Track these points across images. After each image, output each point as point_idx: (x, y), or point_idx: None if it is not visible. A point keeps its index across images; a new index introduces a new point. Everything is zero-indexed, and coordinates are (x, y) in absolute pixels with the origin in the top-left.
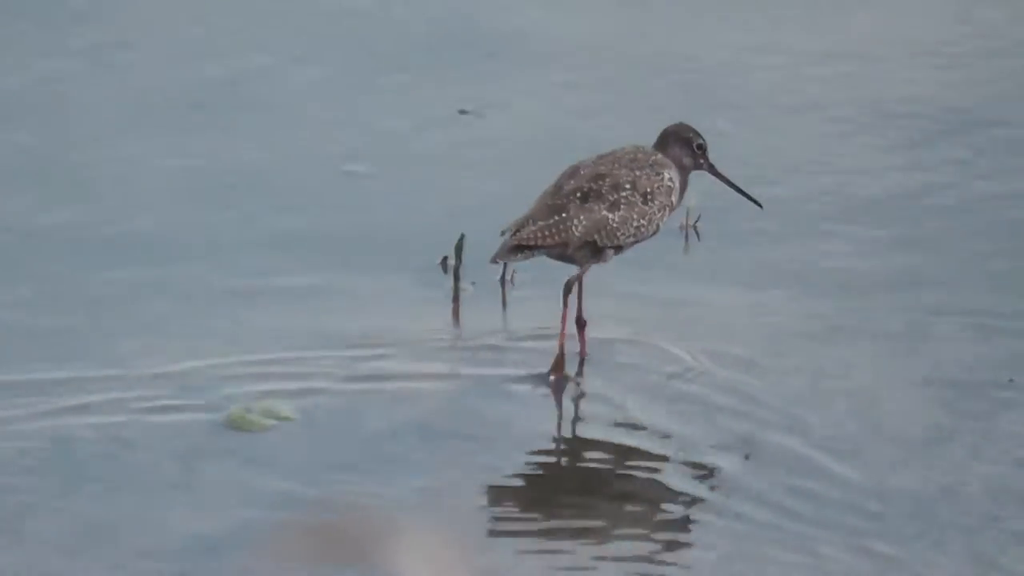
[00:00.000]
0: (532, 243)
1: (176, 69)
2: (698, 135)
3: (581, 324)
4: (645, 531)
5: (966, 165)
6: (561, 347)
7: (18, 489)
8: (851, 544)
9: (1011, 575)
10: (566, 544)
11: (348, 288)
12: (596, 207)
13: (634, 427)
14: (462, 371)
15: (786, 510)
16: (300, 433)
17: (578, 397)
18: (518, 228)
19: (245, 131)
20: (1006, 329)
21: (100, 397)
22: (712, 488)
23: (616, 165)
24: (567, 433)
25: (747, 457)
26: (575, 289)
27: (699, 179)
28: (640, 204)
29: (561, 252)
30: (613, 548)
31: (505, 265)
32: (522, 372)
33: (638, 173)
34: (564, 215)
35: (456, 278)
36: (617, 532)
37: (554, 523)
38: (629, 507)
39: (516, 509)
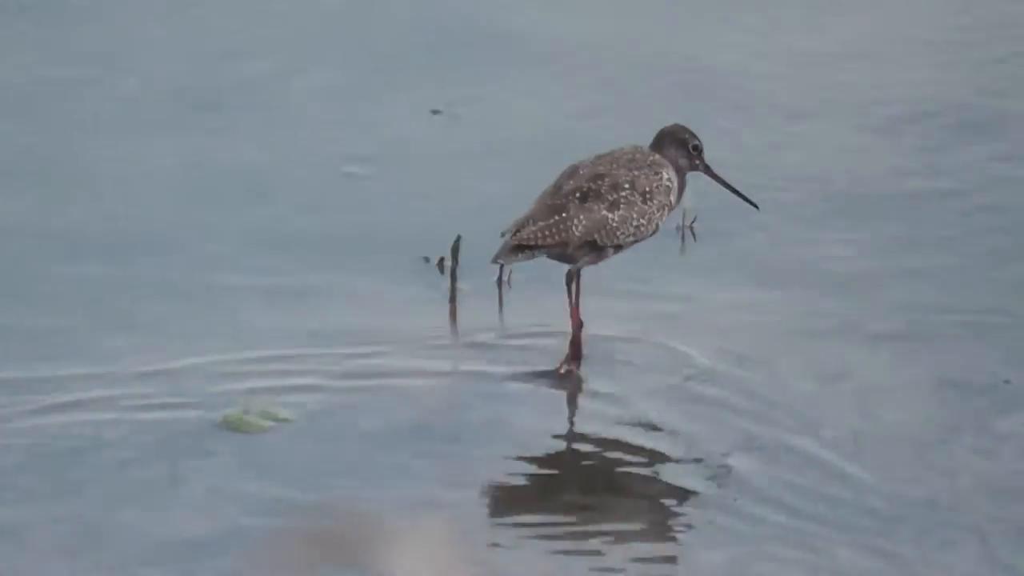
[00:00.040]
0: (533, 243)
1: (174, 70)
2: (694, 136)
3: (578, 325)
4: (650, 531)
5: (966, 165)
6: (576, 338)
7: (8, 490)
8: (861, 543)
9: (1021, 574)
10: (568, 545)
11: (345, 288)
12: (596, 207)
13: (638, 425)
14: (460, 371)
15: (795, 509)
16: (298, 435)
17: (579, 395)
18: (518, 228)
19: (244, 131)
20: (1005, 328)
21: (94, 396)
22: (720, 487)
23: (614, 165)
24: (569, 432)
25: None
26: (576, 281)
27: (694, 180)
28: (639, 204)
29: (561, 252)
30: (617, 549)
31: (502, 266)
32: (520, 371)
33: (637, 173)
34: (564, 215)
35: (453, 279)
36: (621, 532)
37: (556, 524)
38: (633, 507)
39: (517, 509)
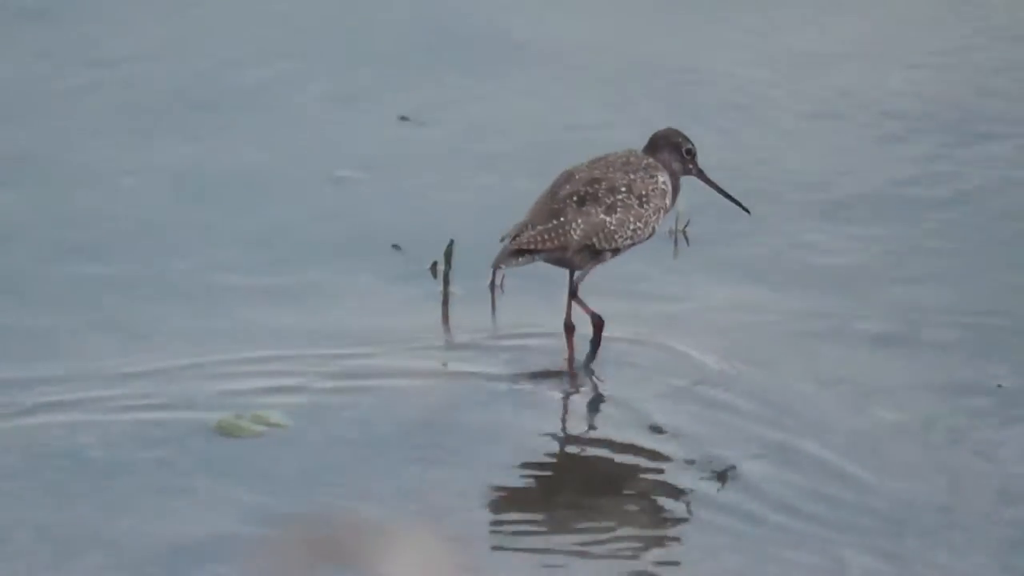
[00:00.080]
0: (532, 247)
1: (172, 71)
2: (687, 140)
3: (570, 329)
4: (653, 535)
5: (966, 166)
6: (597, 340)
7: None
8: (867, 546)
9: None
10: (567, 549)
11: (338, 292)
12: (593, 210)
13: (639, 427)
14: (453, 374)
15: (801, 512)
16: (292, 439)
17: (579, 397)
18: (517, 233)
19: (240, 133)
20: (1004, 331)
21: (86, 397)
22: (725, 489)
23: (610, 169)
24: (568, 433)
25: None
26: (579, 289)
27: (687, 184)
28: (636, 207)
29: (560, 256)
30: (618, 554)
31: (495, 271)
32: (516, 373)
33: (632, 176)
34: (562, 219)
35: (446, 283)
36: (622, 536)
37: (555, 527)
38: (635, 510)
39: (516, 513)
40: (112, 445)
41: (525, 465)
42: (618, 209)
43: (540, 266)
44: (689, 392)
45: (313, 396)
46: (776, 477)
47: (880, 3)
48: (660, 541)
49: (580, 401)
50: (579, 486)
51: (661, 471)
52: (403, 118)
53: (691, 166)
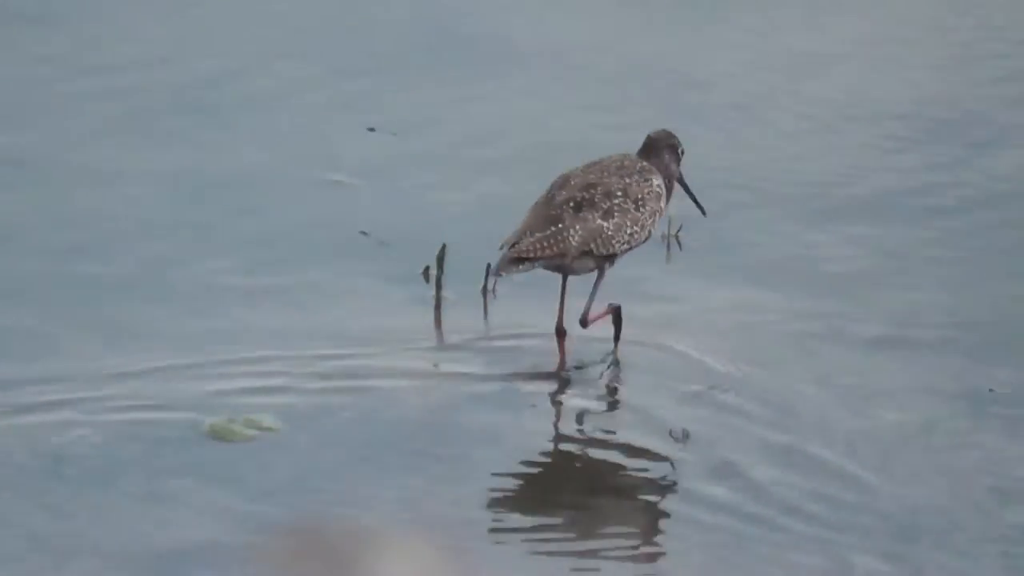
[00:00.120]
0: (531, 255)
1: (164, 74)
2: (680, 142)
3: (561, 333)
4: (655, 536)
5: (963, 167)
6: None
7: None
8: (876, 549)
9: None
10: (566, 553)
11: (330, 296)
12: (590, 216)
13: (641, 428)
14: (447, 377)
15: (809, 514)
16: (284, 443)
17: (578, 399)
18: (516, 241)
19: (235, 136)
20: (999, 334)
21: (76, 400)
22: (730, 491)
23: (605, 173)
24: (566, 435)
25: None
26: (588, 317)
27: (677, 189)
28: (633, 211)
29: (560, 263)
30: (619, 558)
31: (487, 275)
32: (510, 375)
33: (628, 180)
34: (560, 225)
35: (438, 287)
36: (623, 539)
37: (554, 531)
38: (637, 513)
39: (512, 517)
40: (102, 447)
41: (522, 467)
42: (615, 214)
43: (548, 271)
44: (689, 393)
45: (306, 399)
46: (778, 478)
47: (880, 3)
48: (662, 543)
49: (576, 403)
50: (579, 488)
51: (663, 472)
52: (371, 129)
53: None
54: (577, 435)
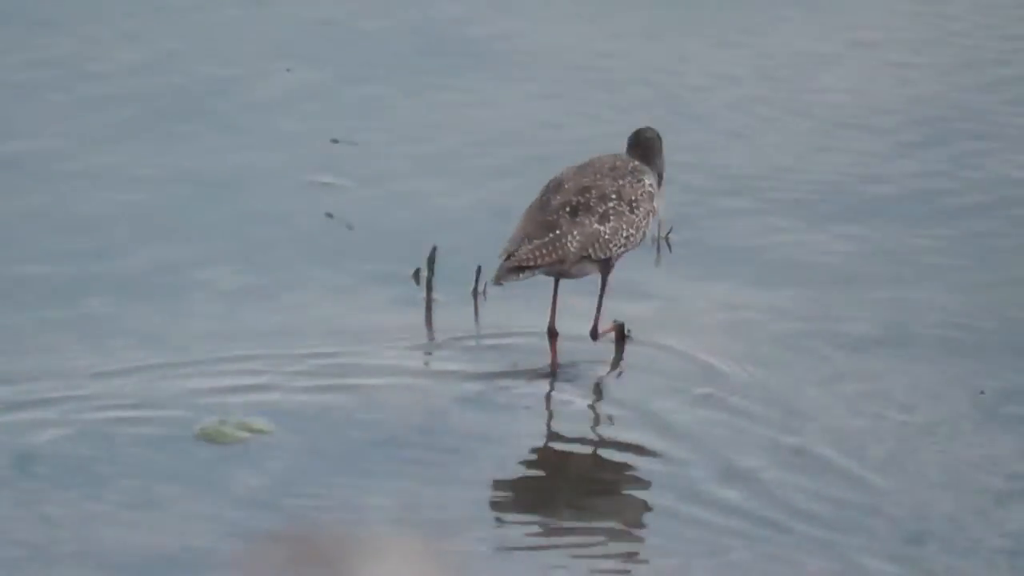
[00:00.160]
0: (530, 263)
1: (149, 80)
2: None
3: (553, 334)
4: (660, 537)
5: (961, 169)
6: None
7: None
8: (886, 552)
9: None
10: (565, 557)
11: (321, 299)
12: (587, 221)
13: (642, 428)
14: (439, 379)
15: (815, 516)
16: (277, 446)
17: (569, 400)
18: (514, 249)
19: (229, 139)
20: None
21: (65, 401)
22: (737, 491)
23: (598, 176)
24: (565, 435)
25: None
26: (599, 303)
27: (670, 192)
28: (627, 213)
29: (559, 269)
30: (620, 561)
31: (477, 277)
32: (502, 379)
33: (621, 182)
34: (558, 232)
35: (428, 289)
36: (624, 542)
37: (553, 534)
38: (640, 514)
39: (507, 520)
40: (90, 449)
41: (520, 467)
42: (611, 217)
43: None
44: (688, 393)
45: (297, 400)
46: (783, 479)
47: (878, 4)
48: (666, 545)
49: (571, 404)
50: (577, 489)
51: (668, 473)
52: (335, 141)
53: None
54: (573, 436)
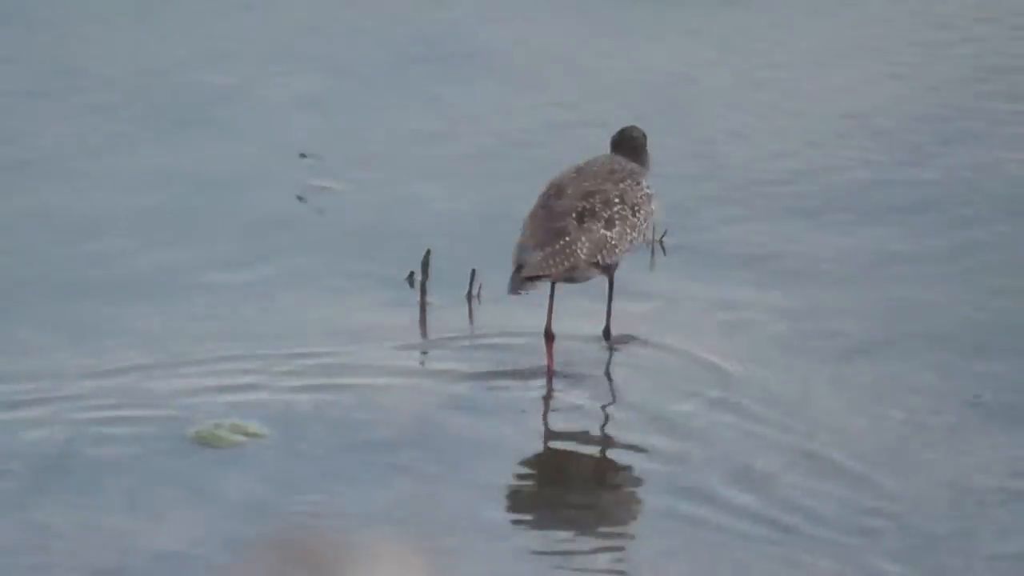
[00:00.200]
0: (544, 273)
1: (141, 77)
2: None
3: (550, 337)
4: (665, 540)
5: (953, 172)
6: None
7: None
8: (887, 551)
9: None
10: (565, 550)
11: (315, 301)
12: (594, 226)
13: (645, 428)
14: (434, 382)
15: (821, 517)
16: (271, 449)
17: (565, 400)
18: (527, 258)
19: (215, 140)
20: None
21: (57, 403)
22: (743, 492)
23: (598, 180)
24: (563, 436)
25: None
26: (609, 306)
27: (664, 195)
28: (630, 217)
29: (570, 275)
30: (622, 564)
31: (472, 280)
32: (498, 379)
33: (622, 186)
34: (567, 238)
35: (423, 292)
36: (625, 544)
37: (552, 536)
38: (642, 515)
39: (504, 523)
40: (80, 452)
41: (516, 472)
42: (616, 222)
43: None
44: (689, 393)
45: (290, 406)
46: (788, 479)
47: (856, 8)
48: (671, 546)
49: (569, 405)
50: (577, 491)
51: (669, 474)
52: (302, 155)
53: None
54: (571, 438)
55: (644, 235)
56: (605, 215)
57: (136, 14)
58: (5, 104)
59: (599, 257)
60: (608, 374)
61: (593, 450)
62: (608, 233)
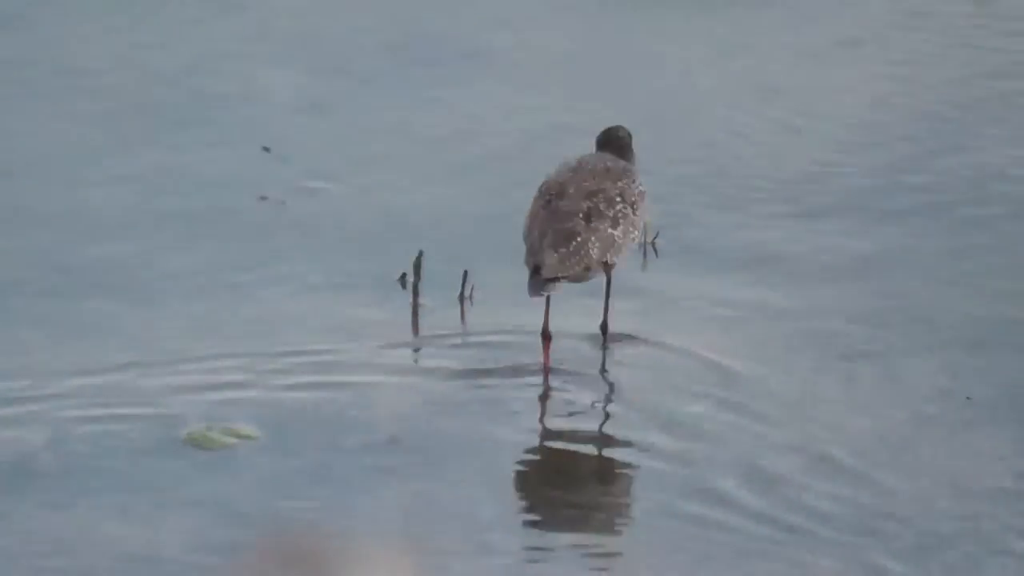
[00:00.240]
0: (562, 274)
1: (134, 79)
2: None
3: (547, 337)
4: (668, 541)
5: (949, 174)
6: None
7: None
8: (895, 551)
9: None
10: (566, 551)
11: (309, 302)
12: (601, 225)
13: (645, 428)
14: (427, 383)
15: (827, 517)
16: (264, 452)
17: (561, 400)
18: (542, 259)
19: (205, 141)
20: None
21: (46, 407)
22: (747, 492)
23: (597, 178)
24: (561, 436)
25: None
26: (607, 300)
27: (667, 194)
28: (631, 215)
29: (582, 276)
30: (630, 560)
31: (464, 281)
32: (492, 381)
33: (620, 184)
34: (579, 239)
35: (415, 293)
36: (626, 546)
37: (552, 539)
38: (642, 515)
39: (502, 526)
40: (72, 455)
41: (513, 473)
42: (620, 221)
43: (510, 272)
44: (688, 391)
45: (283, 408)
46: (792, 478)
47: (878, 4)
48: (674, 544)
49: (566, 404)
50: (576, 490)
51: (669, 472)
52: (265, 149)
53: None
54: (568, 437)
55: (640, 233)
56: (610, 214)
57: (136, 15)
58: (11, 106)
59: (608, 256)
60: (606, 372)
61: (591, 449)
62: (615, 232)
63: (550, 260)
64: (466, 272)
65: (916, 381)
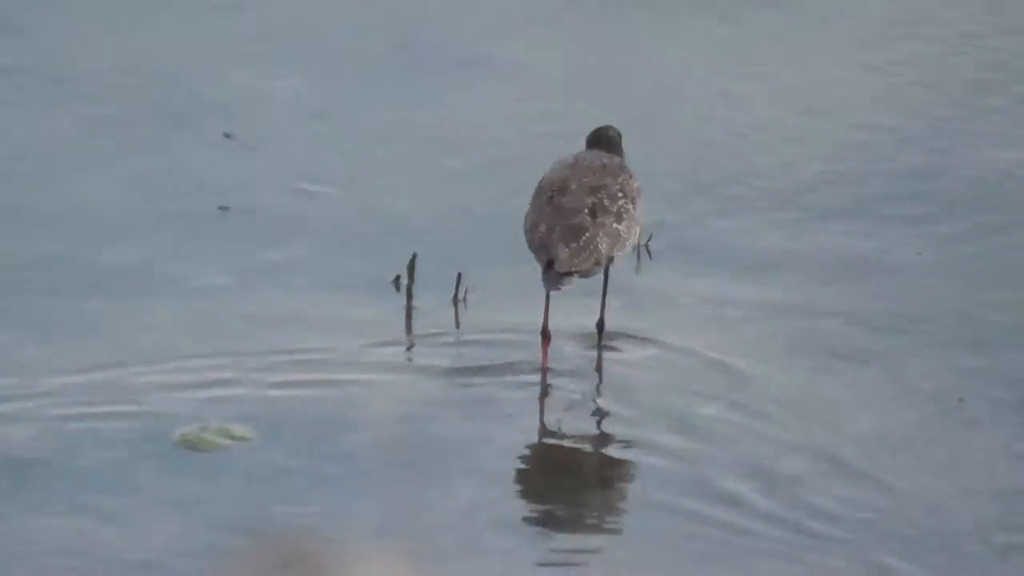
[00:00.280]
0: (575, 269)
1: (132, 84)
2: None
3: (546, 337)
4: (670, 541)
5: (957, 169)
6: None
7: None
8: (905, 553)
9: None
10: (565, 551)
11: (303, 305)
12: (607, 220)
13: (644, 426)
14: (423, 384)
15: (833, 517)
16: (258, 453)
17: (559, 400)
18: (556, 253)
19: (202, 145)
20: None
21: (40, 404)
22: (750, 491)
23: (597, 174)
24: (555, 437)
25: None
26: (604, 298)
27: (667, 194)
28: (632, 211)
29: (591, 270)
30: (634, 561)
31: (458, 284)
32: (487, 383)
33: (620, 180)
34: (588, 235)
35: (409, 296)
36: (626, 547)
37: (552, 540)
38: (643, 515)
39: (500, 528)
40: (64, 455)
41: (510, 475)
42: (623, 216)
43: (505, 275)
44: (687, 390)
45: (278, 406)
46: (796, 478)
47: (877, 3)
48: (675, 543)
49: (563, 404)
50: (575, 490)
51: (670, 470)
52: (227, 135)
53: None
54: (566, 437)
55: (639, 230)
56: (614, 209)
57: (136, 16)
58: (8, 113)
59: (614, 251)
60: (603, 371)
61: (591, 447)
62: (619, 227)
63: (563, 255)
64: (460, 274)
65: (917, 381)
